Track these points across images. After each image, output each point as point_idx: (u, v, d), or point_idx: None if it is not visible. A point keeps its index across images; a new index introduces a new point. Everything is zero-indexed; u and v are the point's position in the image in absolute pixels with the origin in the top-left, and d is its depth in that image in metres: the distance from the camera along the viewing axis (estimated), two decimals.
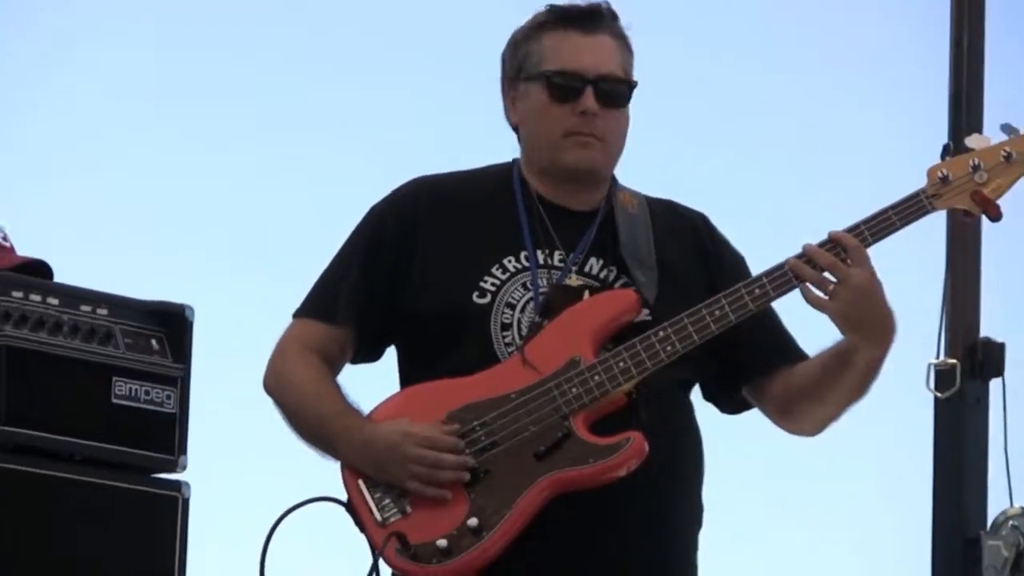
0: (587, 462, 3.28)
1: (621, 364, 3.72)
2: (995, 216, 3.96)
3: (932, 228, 5.21)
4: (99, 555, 5.41)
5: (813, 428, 3.96)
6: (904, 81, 7.85)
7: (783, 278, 3.75)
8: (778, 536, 7.06)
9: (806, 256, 3.68)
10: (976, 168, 3.93)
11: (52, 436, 5.37)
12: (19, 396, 5.37)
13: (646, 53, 4.03)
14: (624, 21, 3.82)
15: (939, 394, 4.95)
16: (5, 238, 5.70)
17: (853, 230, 3.75)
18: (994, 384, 4.95)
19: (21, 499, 5.28)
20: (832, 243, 3.71)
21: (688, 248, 4.02)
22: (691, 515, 3.98)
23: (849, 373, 3.79)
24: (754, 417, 3.97)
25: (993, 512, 4.94)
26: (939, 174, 3.92)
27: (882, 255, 4.77)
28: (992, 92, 5.61)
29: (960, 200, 3.92)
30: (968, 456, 4.92)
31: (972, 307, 5.08)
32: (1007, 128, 4.02)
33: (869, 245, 3.76)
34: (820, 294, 3.64)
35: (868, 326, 3.65)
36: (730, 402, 4.00)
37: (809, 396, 3.83)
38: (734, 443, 4.57)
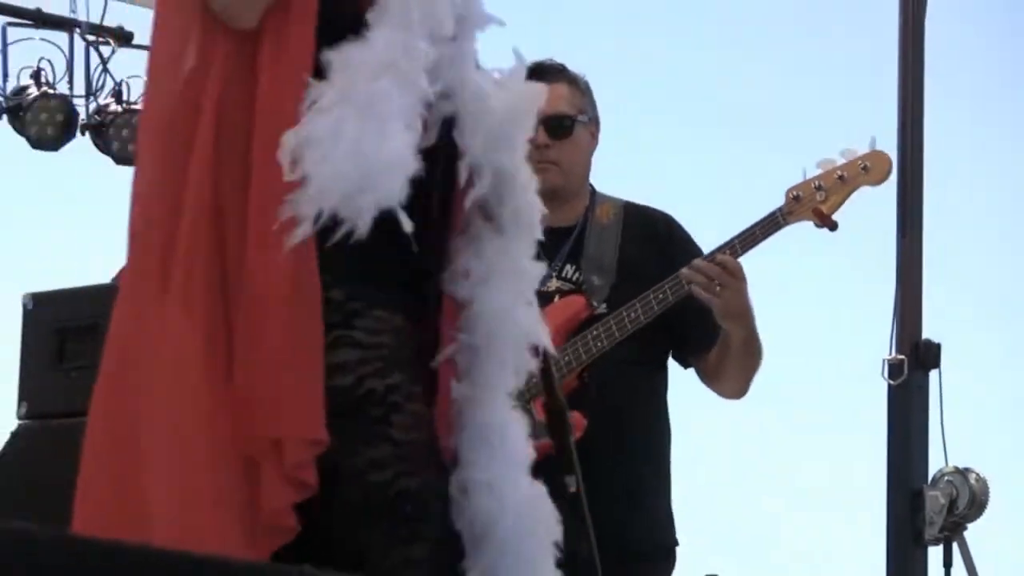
0: (538, 437, 3.38)
1: (566, 358, 4.42)
2: (831, 227, 4.59)
3: (886, 251, 5.57)
4: None
5: (733, 393, 4.71)
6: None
7: (678, 285, 4.45)
8: (761, 497, 7.48)
9: (696, 268, 4.39)
10: (819, 188, 4.54)
11: None
12: None
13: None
14: (578, 69, 4.62)
15: (891, 382, 5.37)
16: None
17: (728, 245, 4.46)
18: (933, 375, 5.40)
19: None
20: (714, 258, 4.42)
21: (651, 249, 4.68)
22: (654, 472, 4.65)
23: (732, 352, 4.55)
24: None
25: (932, 470, 5.44)
26: (792, 194, 4.54)
27: (852, 273, 5.52)
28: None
29: (806, 215, 4.55)
30: (913, 429, 5.36)
31: (916, 314, 5.45)
32: (845, 152, 4.64)
33: (739, 255, 4.46)
34: (706, 294, 4.38)
35: (737, 315, 4.43)
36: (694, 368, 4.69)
37: (719, 371, 4.61)
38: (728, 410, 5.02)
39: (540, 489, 3.17)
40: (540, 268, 3.27)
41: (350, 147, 2.88)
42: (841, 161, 4.58)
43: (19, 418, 5.88)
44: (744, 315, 4.48)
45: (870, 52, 8.10)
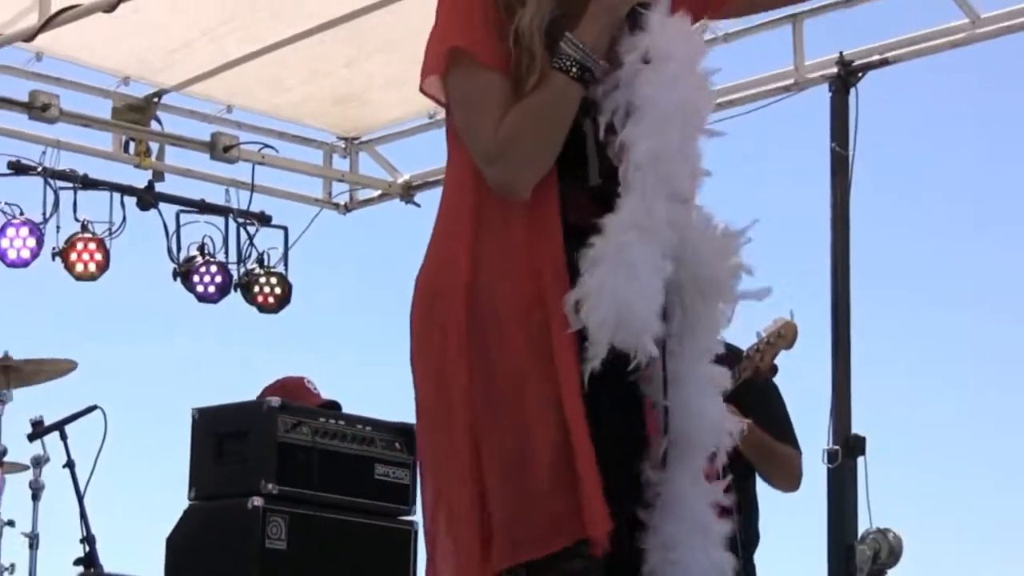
0: None
1: None
2: (769, 376, 4.95)
3: (824, 369, 5.49)
4: (368, 564, 6.29)
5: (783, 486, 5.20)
6: None
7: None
8: None
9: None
10: (758, 350, 4.85)
11: (346, 497, 6.28)
12: (327, 475, 6.20)
13: None
14: None
15: (830, 465, 5.25)
16: (313, 385, 6.57)
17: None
18: (861, 460, 5.26)
19: (329, 532, 6.20)
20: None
21: None
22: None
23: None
24: None
25: (861, 530, 5.31)
26: (746, 354, 4.86)
27: (798, 384, 5.68)
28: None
29: (748, 374, 4.81)
30: (846, 500, 5.23)
31: (846, 415, 5.36)
32: (775, 320, 4.90)
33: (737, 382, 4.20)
34: None
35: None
36: None
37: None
38: None
39: (729, 561, 2.92)
40: (724, 372, 2.97)
41: (610, 297, 2.73)
42: (771, 328, 4.96)
43: (189, 500, 6.29)
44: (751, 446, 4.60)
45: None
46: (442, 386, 2.78)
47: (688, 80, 2.83)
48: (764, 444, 4.93)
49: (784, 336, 4.95)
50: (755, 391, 4.81)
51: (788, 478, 5.17)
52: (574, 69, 2.72)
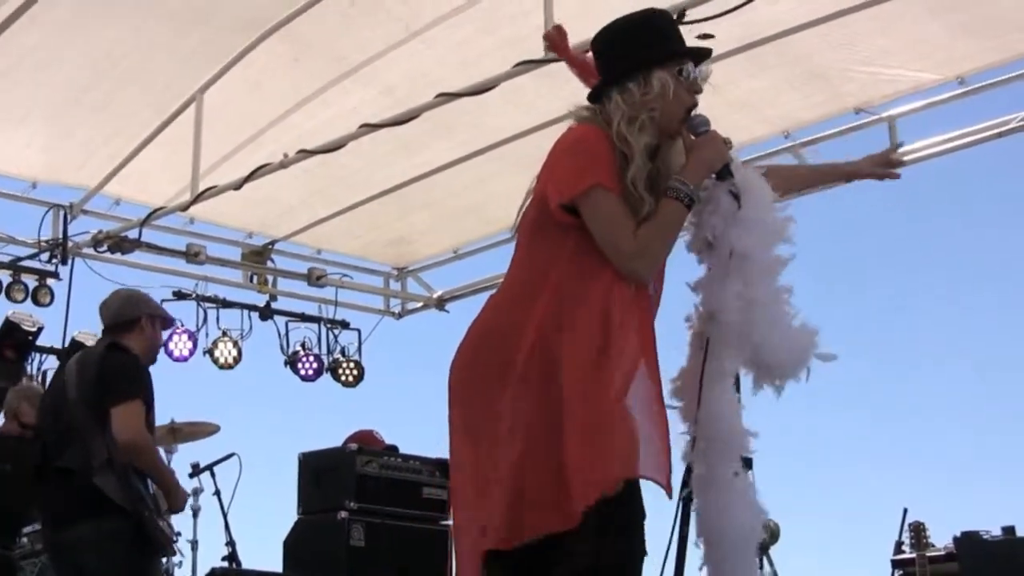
0: None
1: None
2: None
3: None
4: (419, 555, 6.05)
5: None
6: None
7: None
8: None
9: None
10: None
11: (403, 510, 6.17)
12: (390, 495, 6.14)
13: None
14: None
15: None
16: (379, 435, 6.48)
17: None
18: (750, 473, 5.01)
19: (392, 534, 6.10)
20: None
21: None
22: None
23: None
24: None
25: None
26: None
27: None
28: None
29: None
30: None
31: None
32: None
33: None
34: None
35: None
36: None
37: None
38: None
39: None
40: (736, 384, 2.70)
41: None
42: None
43: (298, 514, 6.27)
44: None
45: None
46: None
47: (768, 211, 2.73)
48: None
49: None
50: None
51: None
52: (685, 200, 2.62)
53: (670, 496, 2.54)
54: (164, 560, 4.86)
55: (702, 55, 2.73)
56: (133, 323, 4.38)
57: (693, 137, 2.72)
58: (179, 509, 4.42)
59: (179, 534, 5.45)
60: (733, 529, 2.63)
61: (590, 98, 2.75)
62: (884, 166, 3.07)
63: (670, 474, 2.54)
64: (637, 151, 2.62)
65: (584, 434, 2.48)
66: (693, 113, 2.72)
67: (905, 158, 5.99)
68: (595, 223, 2.59)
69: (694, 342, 2.74)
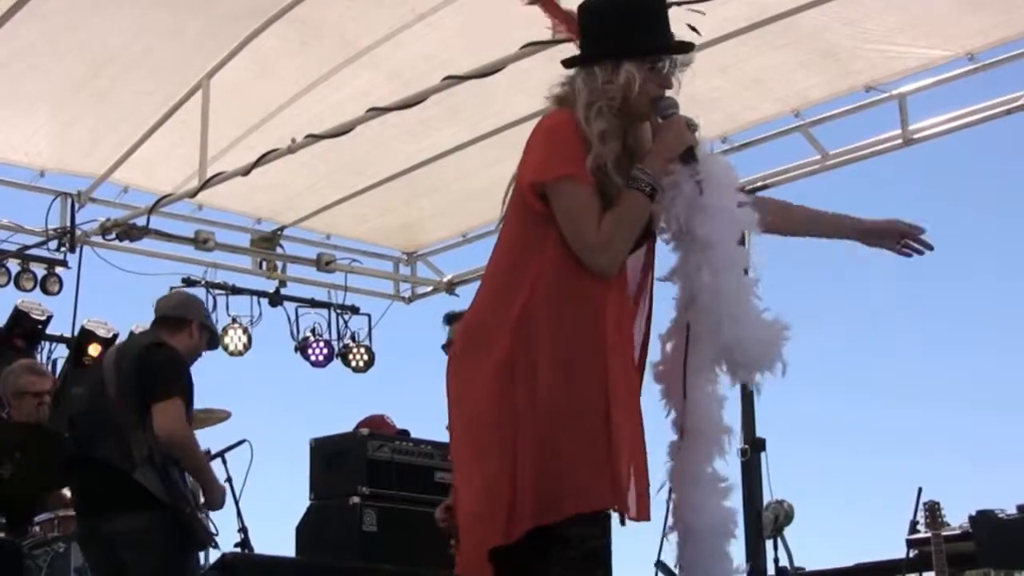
0: None
1: None
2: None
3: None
4: (430, 539, 5.53)
5: None
6: None
7: None
8: None
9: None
10: None
11: (414, 494, 6.01)
12: (401, 479, 6.05)
13: None
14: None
15: (742, 459, 4.78)
16: (390, 420, 6.39)
17: None
18: (763, 455, 4.83)
19: (404, 518, 5.96)
20: None
21: None
22: None
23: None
24: None
25: (766, 500, 4.99)
26: None
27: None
28: None
29: None
30: (754, 482, 4.86)
31: (751, 421, 4.84)
32: None
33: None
34: None
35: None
36: None
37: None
38: None
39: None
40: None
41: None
42: None
43: (310, 500, 6.20)
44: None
45: None
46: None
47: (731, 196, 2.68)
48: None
49: None
50: None
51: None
52: (647, 189, 2.60)
53: (624, 524, 2.56)
54: (201, 555, 4.84)
55: (683, 50, 2.69)
56: (184, 323, 4.39)
57: (660, 120, 2.70)
58: (219, 506, 4.42)
59: (218, 533, 5.51)
60: (704, 526, 2.63)
61: (564, 63, 2.71)
62: (895, 236, 2.92)
63: (637, 494, 2.56)
64: (594, 136, 2.60)
65: (564, 436, 2.50)
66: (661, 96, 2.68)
67: (915, 136, 6.14)
68: (560, 215, 2.59)
69: (674, 330, 2.71)
